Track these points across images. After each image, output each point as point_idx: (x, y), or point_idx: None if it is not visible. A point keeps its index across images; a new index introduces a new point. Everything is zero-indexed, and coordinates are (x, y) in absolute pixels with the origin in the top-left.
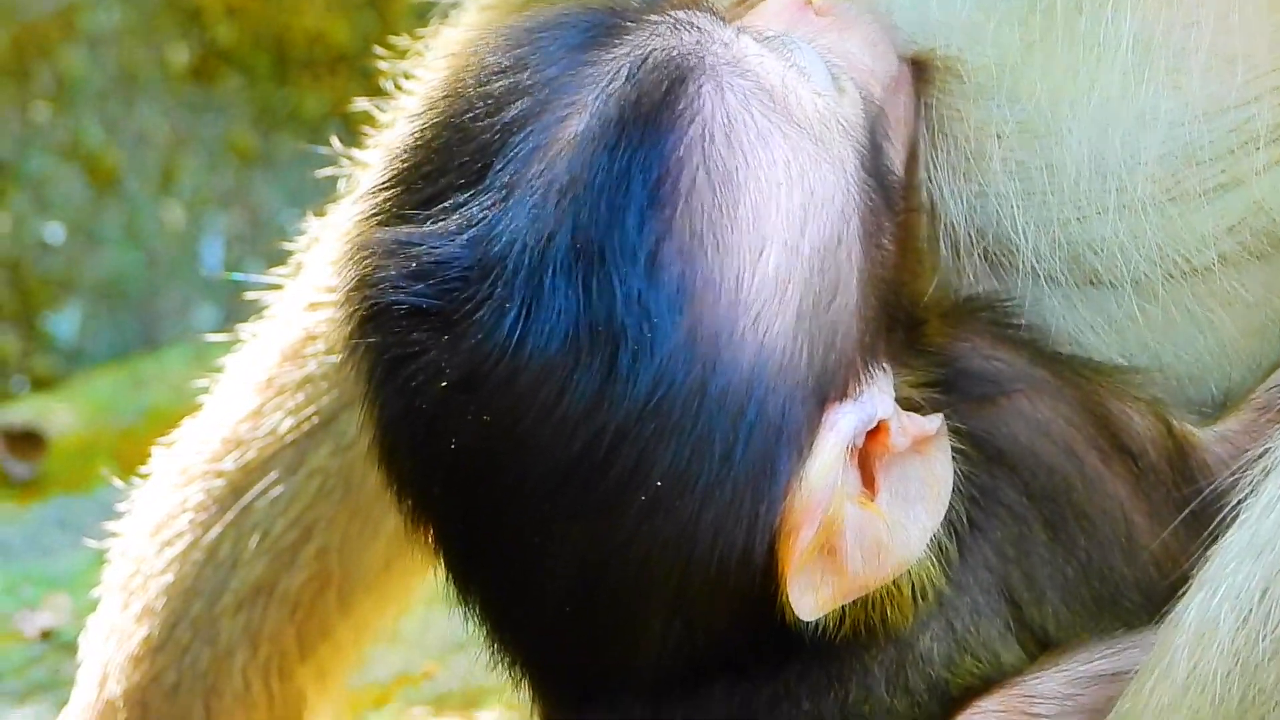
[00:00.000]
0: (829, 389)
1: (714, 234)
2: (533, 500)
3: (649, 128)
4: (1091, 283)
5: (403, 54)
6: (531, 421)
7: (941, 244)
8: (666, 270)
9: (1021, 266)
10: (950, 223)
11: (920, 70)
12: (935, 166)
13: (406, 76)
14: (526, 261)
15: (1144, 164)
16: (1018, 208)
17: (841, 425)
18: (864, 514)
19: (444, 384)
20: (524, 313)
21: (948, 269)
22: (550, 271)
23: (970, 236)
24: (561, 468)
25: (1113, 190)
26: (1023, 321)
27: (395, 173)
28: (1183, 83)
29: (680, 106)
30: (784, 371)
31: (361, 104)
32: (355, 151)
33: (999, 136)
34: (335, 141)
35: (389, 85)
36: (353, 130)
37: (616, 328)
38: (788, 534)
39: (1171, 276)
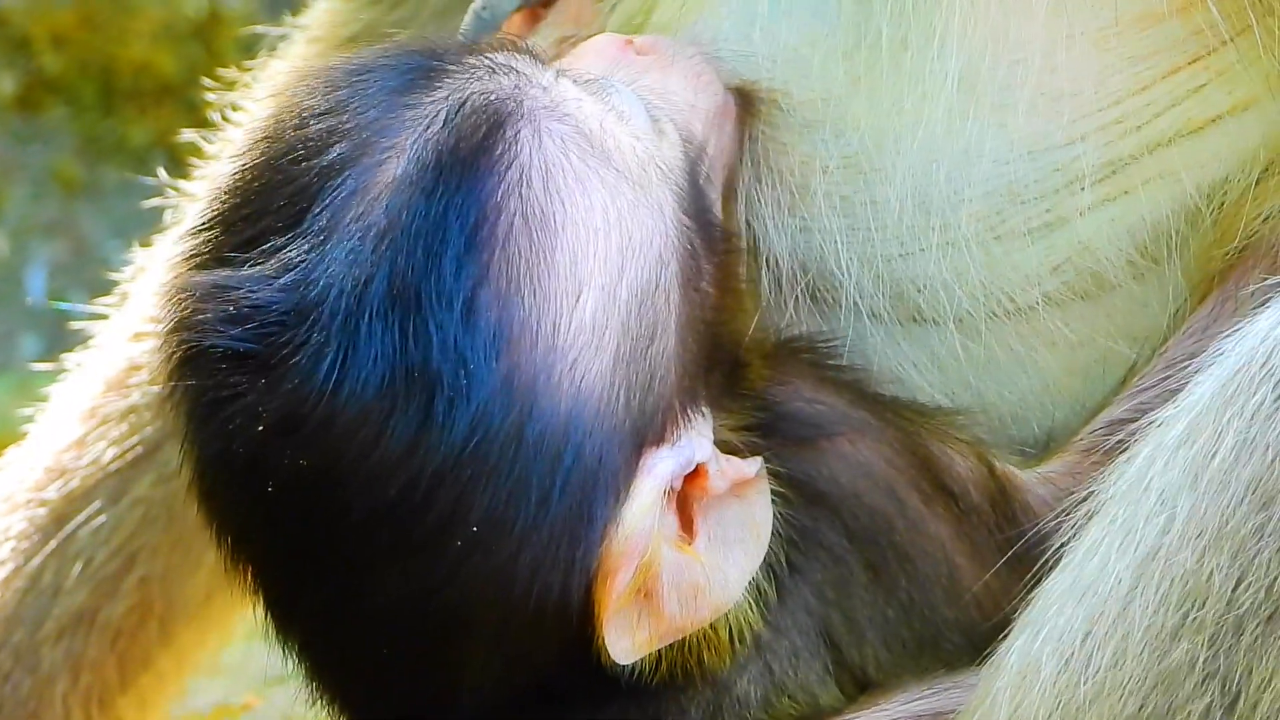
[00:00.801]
0: (647, 433)
1: (531, 279)
2: (351, 541)
3: (466, 173)
4: (914, 320)
5: (230, 85)
6: (349, 465)
7: (764, 280)
8: (483, 316)
9: (844, 303)
10: (773, 258)
11: (746, 101)
12: (759, 201)
13: (233, 108)
14: (343, 306)
15: (968, 201)
16: (841, 243)
17: (659, 469)
18: (681, 558)
19: (262, 427)
20: (341, 357)
21: (770, 307)
22: (367, 316)
23: (793, 272)
24: (379, 510)
25: (936, 227)
26: (845, 362)
27: (214, 214)
28: (1008, 120)
29: (498, 151)
30: (601, 416)
31: (188, 135)
32: (181, 182)
33: (824, 171)
34: (161, 172)
35: (215, 116)
36: (178, 161)
37: (433, 373)
38: (604, 577)
39: (995, 315)
